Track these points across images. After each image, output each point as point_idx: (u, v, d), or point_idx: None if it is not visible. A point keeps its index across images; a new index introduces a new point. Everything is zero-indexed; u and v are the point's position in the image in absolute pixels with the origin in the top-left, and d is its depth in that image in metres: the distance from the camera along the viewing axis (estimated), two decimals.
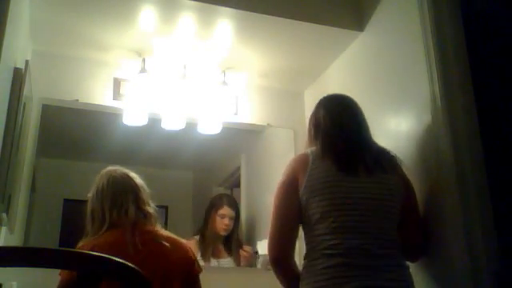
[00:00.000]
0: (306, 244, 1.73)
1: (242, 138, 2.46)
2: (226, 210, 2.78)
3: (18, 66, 2.04)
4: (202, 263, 2.04)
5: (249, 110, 2.97)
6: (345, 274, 1.57)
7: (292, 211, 1.71)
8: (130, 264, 1.00)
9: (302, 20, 2.47)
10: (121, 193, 1.82)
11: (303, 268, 1.71)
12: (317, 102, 1.96)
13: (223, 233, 2.75)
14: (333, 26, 2.53)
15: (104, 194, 1.81)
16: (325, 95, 1.98)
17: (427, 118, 2.00)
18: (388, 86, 2.31)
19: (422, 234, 1.85)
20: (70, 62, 2.70)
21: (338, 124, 1.82)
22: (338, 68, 2.80)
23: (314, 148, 1.79)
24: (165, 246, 1.77)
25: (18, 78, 2.00)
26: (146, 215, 1.82)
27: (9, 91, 1.93)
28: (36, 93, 2.48)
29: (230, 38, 2.59)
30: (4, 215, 1.89)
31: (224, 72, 2.83)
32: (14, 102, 1.94)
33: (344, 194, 1.67)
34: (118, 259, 0.99)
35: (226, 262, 2.73)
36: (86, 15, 2.38)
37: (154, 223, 1.83)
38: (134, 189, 1.85)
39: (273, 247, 1.72)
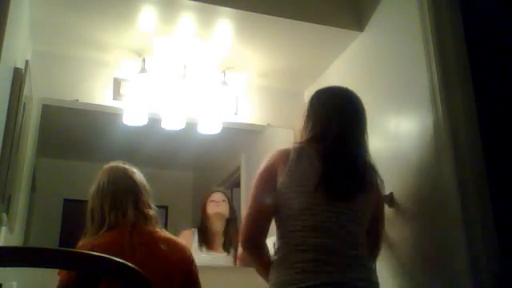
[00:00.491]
0: (279, 239, 1.74)
1: (242, 137, 2.48)
2: (215, 195, 2.83)
3: (18, 66, 2.04)
4: (197, 254, 2.01)
5: (249, 110, 2.97)
6: (314, 269, 1.60)
7: (266, 197, 1.73)
8: (129, 264, 1.00)
9: (301, 20, 2.47)
10: (121, 193, 1.80)
11: (275, 261, 1.71)
12: (325, 95, 1.89)
13: (217, 210, 2.77)
14: (333, 26, 2.53)
15: (104, 193, 1.80)
16: (330, 89, 1.92)
17: (427, 118, 2.01)
18: (388, 86, 2.31)
19: (379, 244, 1.90)
20: (70, 62, 2.70)
21: (338, 139, 1.76)
22: (338, 68, 2.80)
23: (297, 146, 1.77)
24: (163, 247, 1.76)
25: (18, 78, 2.00)
26: (146, 217, 1.80)
27: (9, 91, 1.93)
28: (36, 93, 2.48)
29: (229, 38, 2.59)
30: (4, 215, 1.89)
31: (224, 72, 2.83)
32: (14, 102, 1.94)
33: (317, 200, 1.69)
34: (118, 259, 0.99)
35: (222, 256, 2.73)
36: (86, 15, 2.38)
37: (154, 224, 1.83)
38: (134, 189, 1.83)
39: (248, 228, 1.73)
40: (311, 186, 1.67)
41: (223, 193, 2.87)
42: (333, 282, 1.59)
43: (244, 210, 1.78)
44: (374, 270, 1.74)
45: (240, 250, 2.68)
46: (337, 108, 1.82)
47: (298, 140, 1.84)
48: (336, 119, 1.78)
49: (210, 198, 2.83)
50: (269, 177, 1.74)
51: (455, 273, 1.79)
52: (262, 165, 1.78)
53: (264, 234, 1.73)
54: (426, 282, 1.94)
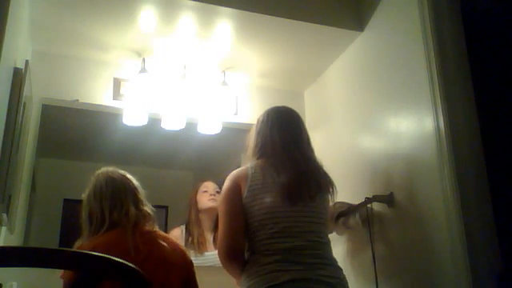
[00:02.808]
0: (248, 250, 1.80)
1: (242, 137, 2.46)
2: (208, 185, 2.70)
3: (18, 66, 2.04)
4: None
5: (249, 110, 2.97)
6: (282, 268, 1.68)
7: (238, 211, 1.80)
8: (131, 264, 1.00)
9: (301, 20, 2.47)
10: (120, 193, 1.82)
11: (245, 269, 1.76)
12: (267, 115, 1.99)
13: (212, 205, 2.59)
14: (333, 26, 2.53)
15: (103, 194, 1.80)
16: (273, 108, 2.02)
17: (427, 118, 2.01)
18: (388, 86, 2.31)
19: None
20: (69, 62, 2.70)
21: (288, 150, 1.88)
22: (338, 68, 2.80)
23: (253, 164, 1.88)
24: (164, 246, 1.77)
25: (18, 77, 2.00)
26: (145, 215, 1.82)
27: (9, 91, 1.93)
28: (36, 93, 2.48)
29: (229, 38, 2.59)
30: (4, 215, 1.89)
31: (224, 72, 2.83)
32: (14, 101, 1.94)
33: (280, 209, 1.78)
34: (119, 259, 0.99)
35: (212, 254, 2.50)
36: (86, 15, 2.38)
37: (152, 224, 1.84)
38: (132, 189, 1.85)
39: (226, 240, 1.78)
40: (272, 196, 1.78)
41: (216, 183, 2.68)
42: (302, 277, 1.66)
43: (220, 228, 1.81)
44: (341, 269, 1.80)
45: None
46: (280, 126, 1.95)
47: (249, 156, 1.96)
48: (280, 136, 1.92)
49: (202, 189, 2.69)
50: (235, 194, 1.83)
51: (455, 273, 1.79)
52: (226, 185, 1.86)
53: (243, 243, 1.80)
54: (425, 282, 1.94)
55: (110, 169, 1.90)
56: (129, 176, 1.90)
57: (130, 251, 1.65)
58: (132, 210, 1.78)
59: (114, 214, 1.76)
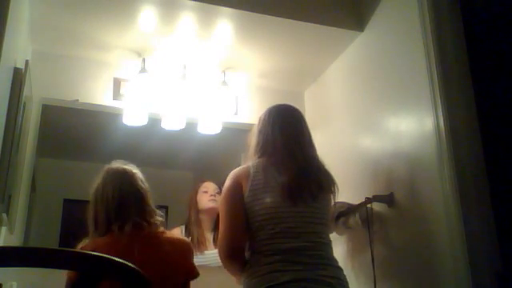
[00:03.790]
0: (248, 249, 1.79)
1: (242, 137, 2.47)
2: (208, 185, 2.70)
3: (18, 66, 2.04)
4: None
5: (249, 110, 2.97)
6: (282, 268, 1.67)
7: (240, 210, 1.79)
8: (131, 264, 1.00)
9: (301, 20, 2.47)
10: (127, 206, 1.78)
11: (245, 269, 1.76)
12: (269, 113, 1.98)
13: (212, 205, 2.61)
14: (333, 26, 2.53)
15: (110, 202, 1.78)
16: (275, 106, 2.00)
17: (427, 118, 2.01)
18: (388, 86, 2.31)
19: None
20: (70, 62, 2.70)
21: (289, 149, 1.87)
22: (338, 68, 2.80)
23: (254, 162, 1.87)
24: (165, 247, 1.77)
25: (18, 77, 2.01)
26: (151, 224, 1.80)
27: (9, 91, 1.93)
28: (36, 93, 2.48)
29: (229, 38, 2.59)
30: (4, 215, 1.89)
31: (224, 72, 2.83)
32: (14, 101, 1.94)
33: (281, 209, 1.77)
34: (119, 259, 0.99)
35: (212, 253, 2.49)
36: (86, 15, 2.38)
37: (158, 227, 1.83)
38: (140, 200, 1.82)
39: (227, 239, 1.77)
40: (273, 196, 1.77)
41: (216, 183, 2.68)
42: (302, 277, 1.65)
43: (221, 226, 1.80)
44: (341, 269, 1.79)
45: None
46: (281, 124, 1.93)
47: (251, 155, 1.94)
48: (281, 134, 1.90)
49: (202, 189, 2.69)
50: (236, 192, 1.81)
51: (455, 273, 1.79)
52: (227, 184, 1.85)
53: (243, 242, 1.79)
54: (425, 282, 1.95)
55: (121, 170, 1.85)
56: (138, 181, 1.84)
57: (130, 252, 1.65)
58: (137, 220, 1.76)
59: (119, 224, 1.74)
